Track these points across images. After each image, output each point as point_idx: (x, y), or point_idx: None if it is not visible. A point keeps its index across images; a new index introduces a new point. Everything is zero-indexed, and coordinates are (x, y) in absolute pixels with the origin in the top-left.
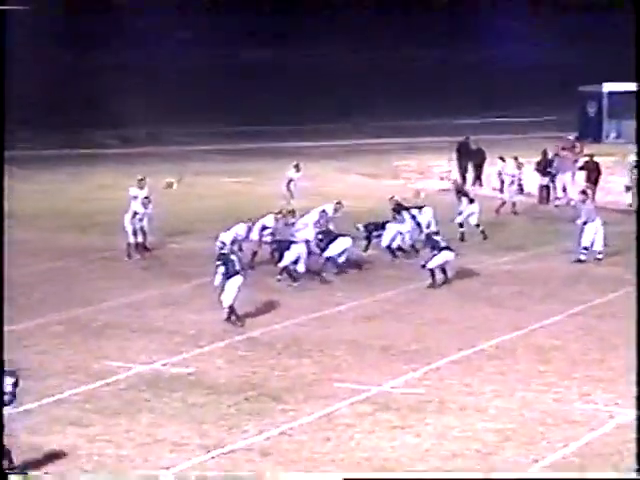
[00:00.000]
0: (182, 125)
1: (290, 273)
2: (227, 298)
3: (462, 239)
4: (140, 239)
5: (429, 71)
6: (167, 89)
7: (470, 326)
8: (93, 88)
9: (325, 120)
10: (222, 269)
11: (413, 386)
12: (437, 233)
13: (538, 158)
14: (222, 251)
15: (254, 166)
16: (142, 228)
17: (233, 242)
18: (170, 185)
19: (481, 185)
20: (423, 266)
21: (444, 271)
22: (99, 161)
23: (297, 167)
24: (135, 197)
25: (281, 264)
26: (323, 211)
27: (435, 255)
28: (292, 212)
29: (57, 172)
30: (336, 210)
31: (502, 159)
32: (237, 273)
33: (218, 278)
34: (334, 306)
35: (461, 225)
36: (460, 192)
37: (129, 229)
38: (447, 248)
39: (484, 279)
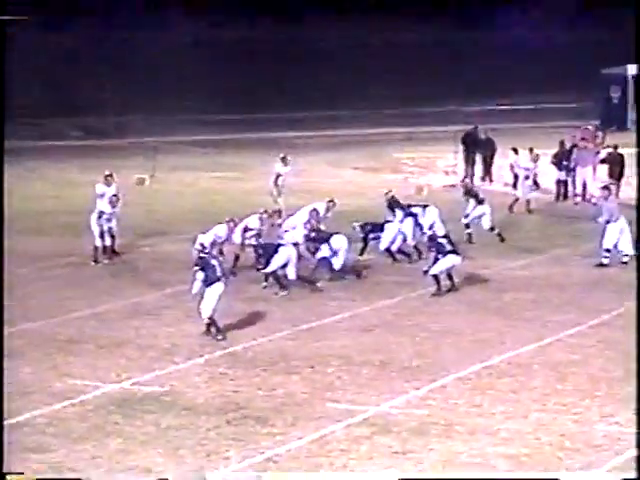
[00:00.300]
0: (155, 113)
1: (278, 280)
2: (206, 308)
3: (470, 241)
4: (108, 242)
5: (433, 52)
6: (137, 73)
7: (479, 339)
8: (54, 72)
9: (316, 107)
10: (201, 275)
11: (415, 406)
12: (445, 236)
13: (555, 150)
14: (201, 255)
15: (236, 159)
16: (110, 230)
17: (213, 245)
18: (142, 181)
19: (491, 180)
20: (426, 272)
21: (450, 277)
22: (62, 154)
23: (285, 160)
24: (102, 195)
25: (267, 270)
26: (314, 210)
27: (439, 259)
28: (279, 212)
29: (14, 167)
30: (328, 209)
31: (515, 151)
32: (218, 280)
33: (197, 285)
34: (327, 317)
35: (467, 226)
36: (469, 193)
37: (95, 231)
38: (453, 251)
39: (495, 286)
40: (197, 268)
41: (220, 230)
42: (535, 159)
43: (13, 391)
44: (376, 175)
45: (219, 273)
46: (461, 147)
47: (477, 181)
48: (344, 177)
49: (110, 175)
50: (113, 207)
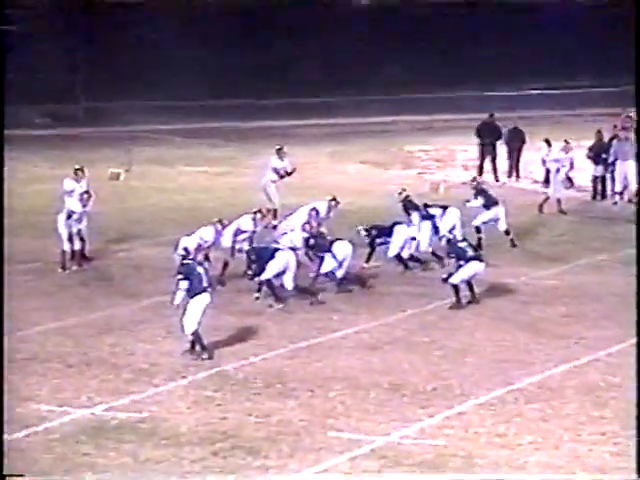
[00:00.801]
0: (131, 98)
1: (273, 290)
2: (190, 322)
3: (479, 245)
4: (77, 246)
5: (450, 30)
6: (112, 53)
7: (503, 358)
8: (16, 51)
9: (316, 92)
10: (184, 284)
11: (430, 436)
12: (464, 239)
13: (591, 141)
14: (184, 261)
15: (224, 152)
16: (80, 232)
17: (198, 250)
18: (116, 176)
19: (518, 177)
20: (445, 280)
21: (470, 287)
22: (25, 145)
23: (281, 152)
24: (71, 192)
25: (261, 278)
26: (313, 210)
27: (460, 267)
28: (274, 211)
29: None
30: (330, 209)
31: (548, 142)
32: (204, 290)
33: (179, 296)
34: (328, 333)
35: (478, 230)
36: (480, 192)
37: (63, 233)
38: (476, 258)
39: (522, 297)
40: (180, 276)
41: (206, 233)
42: (567, 150)
43: None
44: (385, 170)
45: (205, 282)
46: (477, 140)
47: (502, 177)
48: (348, 172)
49: (80, 169)
50: (84, 206)
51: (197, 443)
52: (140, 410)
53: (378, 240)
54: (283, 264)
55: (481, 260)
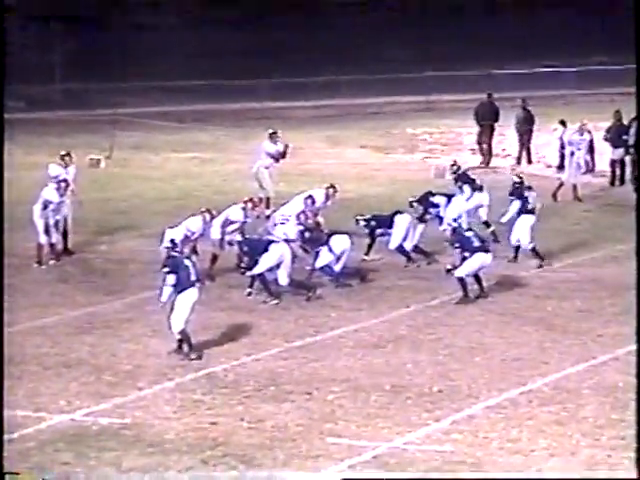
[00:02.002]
0: (113, 80)
1: (266, 285)
2: (177, 320)
3: (495, 239)
4: (55, 239)
5: (455, 4)
6: (91, 31)
7: (515, 357)
8: None
9: (312, 71)
10: (171, 279)
11: (437, 441)
12: (470, 229)
13: (609, 122)
14: (171, 254)
15: (212, 136)
16: (57, 223)
17: (185, 242)
18: (96, 163)
19: (530, 161)
20: (448, 270)
21: (478, 280)
22: None
23: (274, 136)
24: (56, 178)
25: (254, 272)
26: (309, 198)
27: (465, 258)
28: (267, 200)
29: None
30: (328, 197)
31: (563, 124)
32: (192, 285)
33: (166, 292)
34: (326, 331)
35: (487, 224)
36: (460, 177)
37: (40, 225)
38: (482, 248)
39: (535, 291)
40: (166, 270)
41: (193, 223)
42: (582, 131)
43: None
44: (386, 155)
45: (193, 277)
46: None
47: (509, 161)
48: (347, 157)
49: (67, 154)
50: (61, 195)
51: (185, 451)
52: (123, 415)
53: (378, 231)
54: (277, 257)
55: (488, 251)
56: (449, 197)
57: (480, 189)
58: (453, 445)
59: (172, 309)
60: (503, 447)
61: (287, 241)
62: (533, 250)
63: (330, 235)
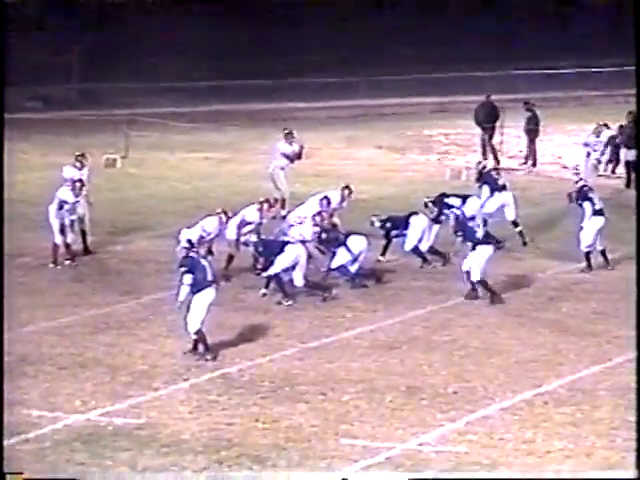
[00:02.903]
0: (129, 80)
1: (281, 286)
2: (194, 320)
3: (524, 243)
4: (70, 239)
5: (471, 4)
6: (107, 32)
7: (530, 359)
8: (5, 29)
9: (327, 71)
10: (188, 279)
11: (451, 442)
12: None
13: (621, 122)
14: (189, 254)
15: (228, 137)
16: (73, 223)
17: (200, 242)
18: (112, 163)
19: (535, 164)
20: (467, 275)
21: (489, 287)
22: (14, 130)
23: (289, 136)
24: (72, 180)
25: (270, 272)
26: (325, 199)
27: (472, 250)
28: (282, 201)
29: None
30: (343, 198)
31: (606, 126)
32: (209, 285)
33: (183, 292)
34: (341, 331)
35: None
36: (482, 177)
37: (55, 225)
38: (485, 241)
39: (550, 293)
40: (183, 270)
41: (209, 224)
42: (598, 133)
43: None
44: (402, 155)
45: (210, 277)
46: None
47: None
48: (362, 158)
49: (82, 155)
50: (76, 196)
51: (200, 451)
52: (138, 415)
53: (393, 232)
54: (293, 258)
55: (489, 243)
56: (464, 198)
57: (502, 189)
58: (468, 446)
59: (188, 309)
60: (518, 448)
61: (303, 242)
62: (602, 253)
63: (347, 235)
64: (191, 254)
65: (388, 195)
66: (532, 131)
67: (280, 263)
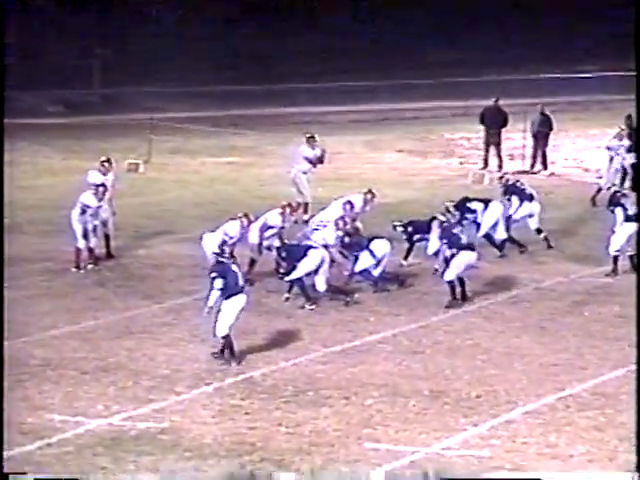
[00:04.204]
0: (151, 84)
1: (304, 290)
2: (223, 325)
3: (548, 246)
4: (93, 243)
5: (492, 8)
6: (129, 35)
7: (553, 363)
8: (28, 34)
9: (349, 76)
10: (219, 283)
11: (475, 447)
12: (459, 223)
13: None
14: (220, 259)
15: (250, 141)
16: (96, 228)
17: (222, 246)
18: (135, 168)
19: (545, 166)
20: (436, 271)
21: (462, 284)
22: (36, 134)
23: (311, 140)
24: (96, 185)
25: (292, 276)
26: (347, 203)
27: (453, 256)
28: (305, 205)
29: None
30: (366, 202)
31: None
32: (240, 291)
33: (213, 296)
34: (364, 336)
35: (539, 231)
36: (508, 189)
37: (78, 229)
38: (468, 247)
39: (573, 297)
40: (215, 275)
41: (231, 228)
42: (621, 137)
43: None
44: (424, 159)
45: (241, 283)
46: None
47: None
48: (384, 162)
49: (107, 160)
50: (99, 200)
51: (223, 455)
52: (161, 420)
53: (416, 237)
54: (316, 263)
55: (473, 250)
56: (486, 203)
57: (530, 198)
58: (491, 450)
59: (218, 313)
60: (541, 452)
61: (326, 246)
62: (631, 258)
63: (371, 239)
64: (222, 259)
65: (410, 199)
66: (544, 136)
67: (303, 267)
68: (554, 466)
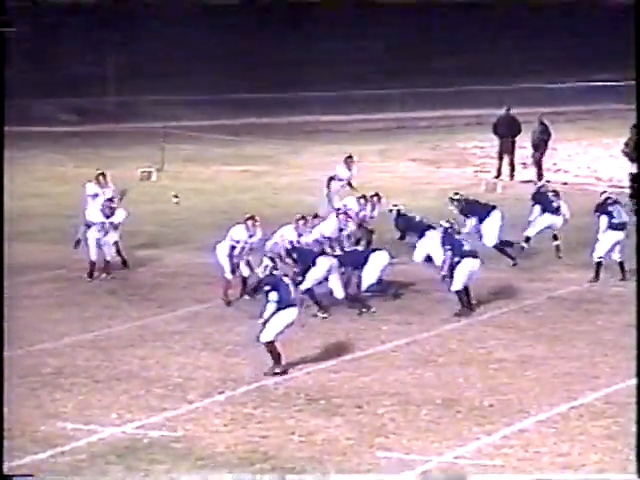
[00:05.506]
0: (164, 92)
1: (315, 299)
2: (269, 331)
3: (512, 258)
4: (108, 257)
5: (506, 17)
6: (142, 43)
7: (566, 372)
8: (41, 42)
9: (363, 84)
10: (274, 296)
11: (487, 456)
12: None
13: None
14: (273, 272)
15: (264, 149)
16: (106, 243)
17: (232, 252)
18: (147, 176)
19: (540, 176)
20: (444, 277)
21: (467, 291)
22: (49, 142)
23: (349, 160)
24: (94, 196)
25: (301, 288)
26: (343, 213)
27: (457, 263)
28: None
29: None
30: (373, 206)
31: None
32: (294, 304)
33: (270, 308)
34: (377, 344)
35: (527, 239)
36: (535, 196)
37: (91, 243)
38: (471, 254)
39: (585, 306)
40: (268, 289)
41: (237, 232)
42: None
43: None
44: (437, 168)
45: (294, 295)
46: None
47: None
48: (397, 171)
49: (102, 174)
50: (106, 217)
51: (235, 464)
52: (174, 428)
53: (407, 232)
54: (324, 271)
55: (476, 256)
56: (489, 210)
57: (555, 211)
58: (504, 459)
59: (267, 321)
60: (554, 462)
61: (329, 239)
62: (621, 265)
63: (370, 252)
64: (274, 272)
65: (423, 208)
66: (542, 145)
67: (311, 277)
68: (567, 475)
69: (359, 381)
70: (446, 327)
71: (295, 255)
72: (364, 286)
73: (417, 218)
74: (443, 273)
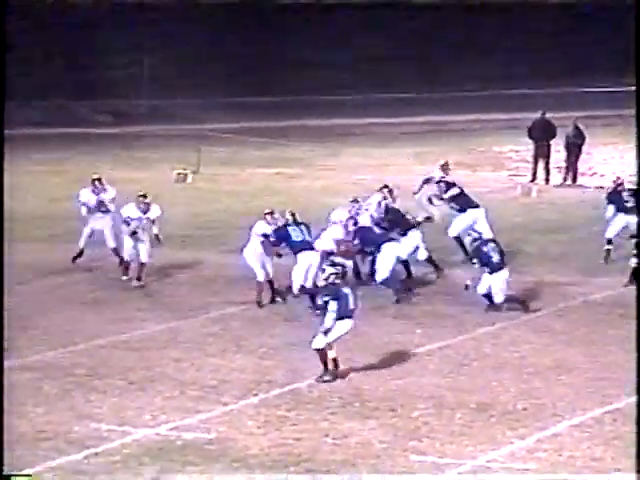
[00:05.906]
0: (199, 95)
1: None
2: (322, 339)
3: (606, 260)
4: (144, 259)
5: (542, 21)
6: (178, 45)
7: (600, 376)
8: (75, 44)
9: (398, 87)
10: (334, 305)
11: (521, 459)
12: (493, 240)
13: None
14: (334, 281)
15: (299, 152)
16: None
17: (263, 244)
18: (183, 178)
19: (575, 180)
20: (467, 287)
21: (518, 299)
22: (84, 144)
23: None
24: (85, 204)
25: (378, 277)
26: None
27: (485, 272)
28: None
29: (21, 159)
30: (385, 199)
31: None
32: (350, 315)
33: (329, 318)
34: (411, 348)
35: (609, 241)
36: (610, 195)
37: (127, 243)
38: (500, 266)
39: (620, 310)
40: (328, 297)
41: (259, 227)
42: None
43: (21, 437)
44: (473, 172)
45: (352, 306)
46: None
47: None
48: (431, 174)
49: (99, 179)
50: (144, 212)
51: (269, 466)
52: (208, 430)
53: (392, 229)
54: (306, 266)
55: (503, 268)
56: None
57: (628, 211)
58: (537, 463)
59: (327, 330)
60: (588, 466)
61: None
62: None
63: (380, 244)
64: (336, 281)
65: None
66: (577, 149)
67: (296, 275)
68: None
69: (393, 384)
70: (480, 331)
71: (361, 233)
72: (379, 278)
73: (405, 214)
74: (468, 282)
